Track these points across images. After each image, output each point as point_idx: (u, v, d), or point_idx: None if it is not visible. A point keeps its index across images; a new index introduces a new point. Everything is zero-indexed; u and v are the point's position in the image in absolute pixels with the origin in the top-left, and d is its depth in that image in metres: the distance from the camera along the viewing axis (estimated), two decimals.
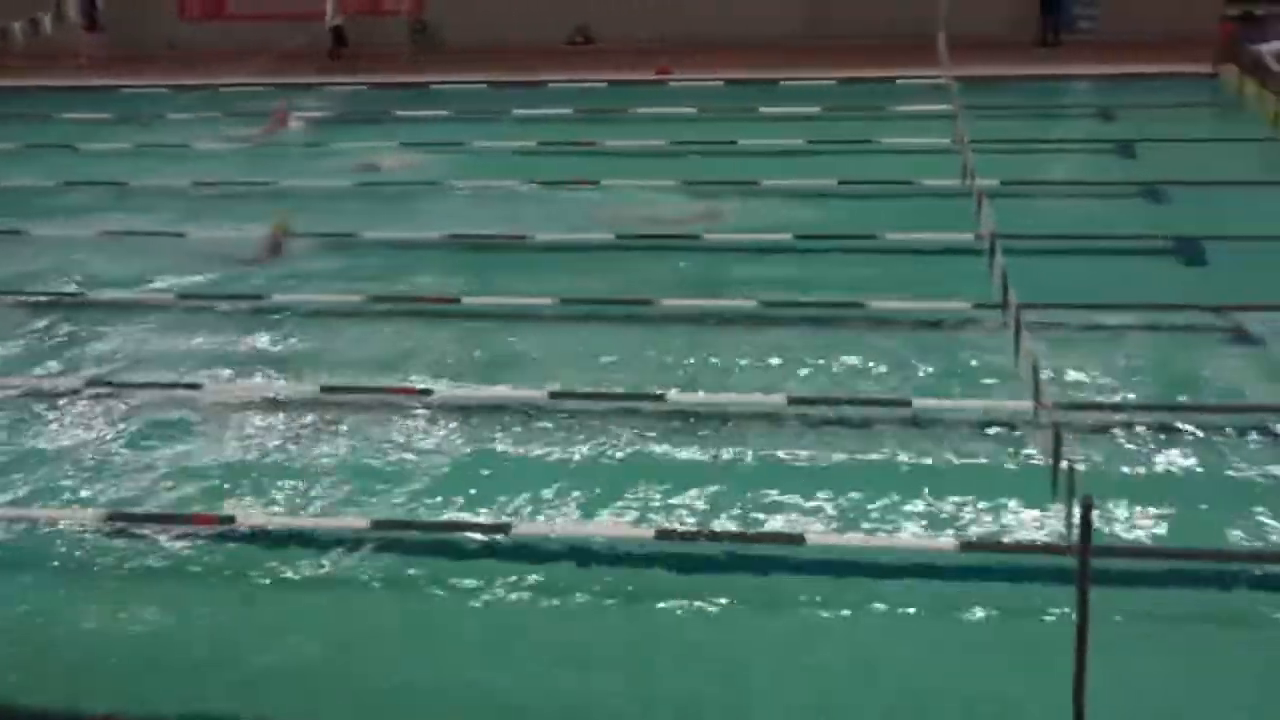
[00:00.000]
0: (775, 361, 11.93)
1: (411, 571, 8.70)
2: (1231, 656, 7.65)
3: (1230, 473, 9.71)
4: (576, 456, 10.20)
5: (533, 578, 8.55)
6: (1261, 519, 8.99)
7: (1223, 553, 8.48)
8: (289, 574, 8.67)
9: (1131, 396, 10.95)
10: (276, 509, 9.48)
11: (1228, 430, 10.28)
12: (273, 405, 11.24)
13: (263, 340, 12.91)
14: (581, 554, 8.82)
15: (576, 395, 11.16)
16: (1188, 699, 7.29)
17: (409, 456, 10.24)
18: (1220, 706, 7.25)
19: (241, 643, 7.99)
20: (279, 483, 9.85)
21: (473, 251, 15.51)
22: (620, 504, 9.41)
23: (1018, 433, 10.14)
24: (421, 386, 11.35)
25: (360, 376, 11.72)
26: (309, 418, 10.95)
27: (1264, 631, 7.87)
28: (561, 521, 9.20)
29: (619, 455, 10.23)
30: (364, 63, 27.36)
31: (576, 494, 9.56)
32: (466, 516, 9.31)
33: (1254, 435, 10.18)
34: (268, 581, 8.62)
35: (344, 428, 10.74)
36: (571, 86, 24.55)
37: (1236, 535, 8.77)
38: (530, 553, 8.82)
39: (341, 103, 25.21)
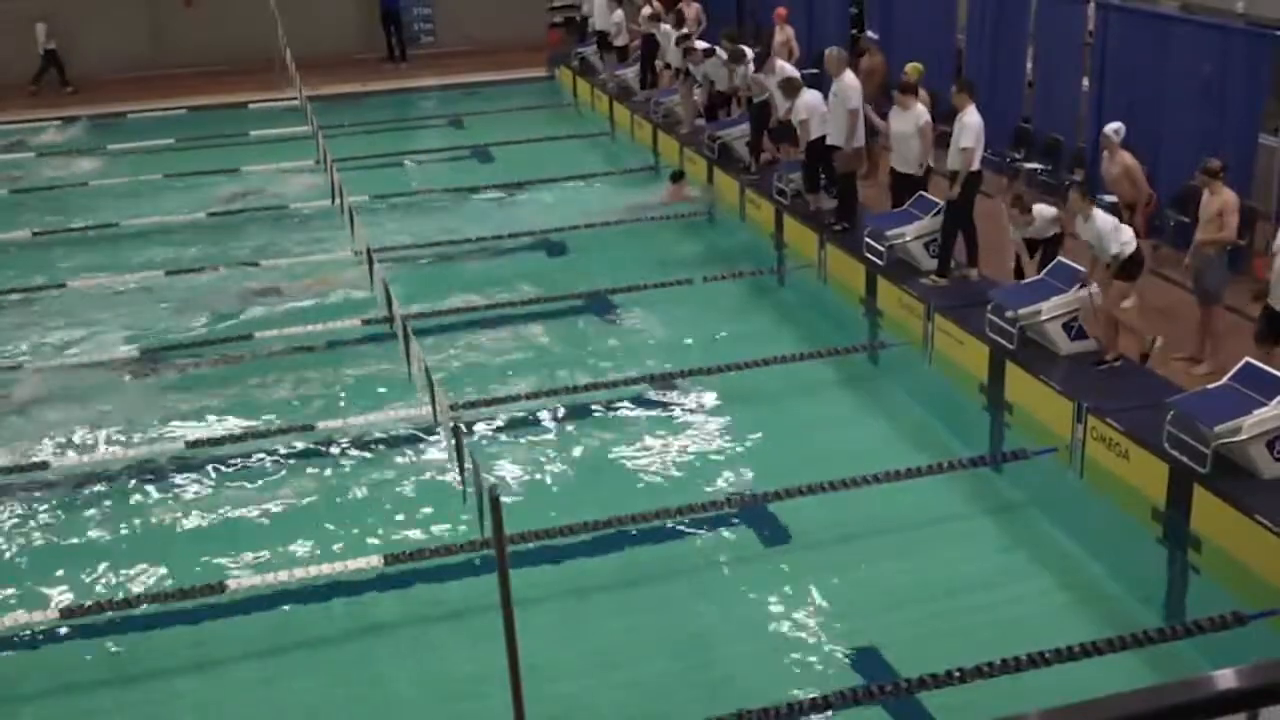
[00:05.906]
0: (171, 409, 11.37)
1: None
2: (634, 600, 8.54)
3: (616, 436, 10.54)
4: None
5: None
6: (640, 478, 9.90)
7: (622, 518, 9.16)
8: None
9: (524, 385, 11.55)
10: None
11: (612, 402, 11.18)
12: None
13: None
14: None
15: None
16: (609, 646, 8.01)
17: None
18: (637, 644, 8.02)
19: None
20: None
21: None
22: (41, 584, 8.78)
23: (425, 439, 10.41)
24: None
25: None
26: None
27: (662, 579, 8.76)
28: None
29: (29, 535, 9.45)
30: None
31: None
32: None
33: (626, 405, 11.16)
34: None
35: None
36: None
37: (639, 496, 9.57)
38: None
39: None
